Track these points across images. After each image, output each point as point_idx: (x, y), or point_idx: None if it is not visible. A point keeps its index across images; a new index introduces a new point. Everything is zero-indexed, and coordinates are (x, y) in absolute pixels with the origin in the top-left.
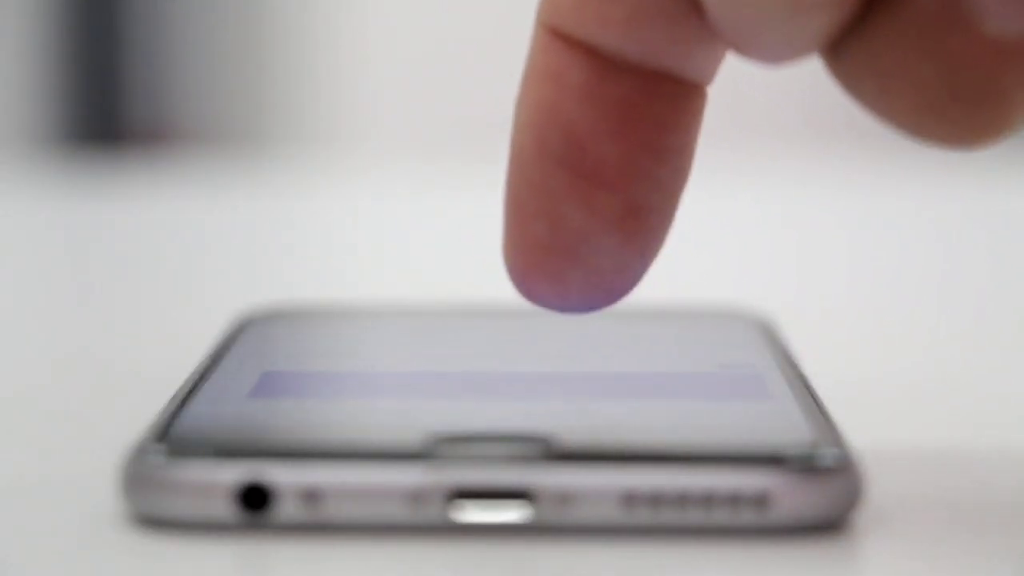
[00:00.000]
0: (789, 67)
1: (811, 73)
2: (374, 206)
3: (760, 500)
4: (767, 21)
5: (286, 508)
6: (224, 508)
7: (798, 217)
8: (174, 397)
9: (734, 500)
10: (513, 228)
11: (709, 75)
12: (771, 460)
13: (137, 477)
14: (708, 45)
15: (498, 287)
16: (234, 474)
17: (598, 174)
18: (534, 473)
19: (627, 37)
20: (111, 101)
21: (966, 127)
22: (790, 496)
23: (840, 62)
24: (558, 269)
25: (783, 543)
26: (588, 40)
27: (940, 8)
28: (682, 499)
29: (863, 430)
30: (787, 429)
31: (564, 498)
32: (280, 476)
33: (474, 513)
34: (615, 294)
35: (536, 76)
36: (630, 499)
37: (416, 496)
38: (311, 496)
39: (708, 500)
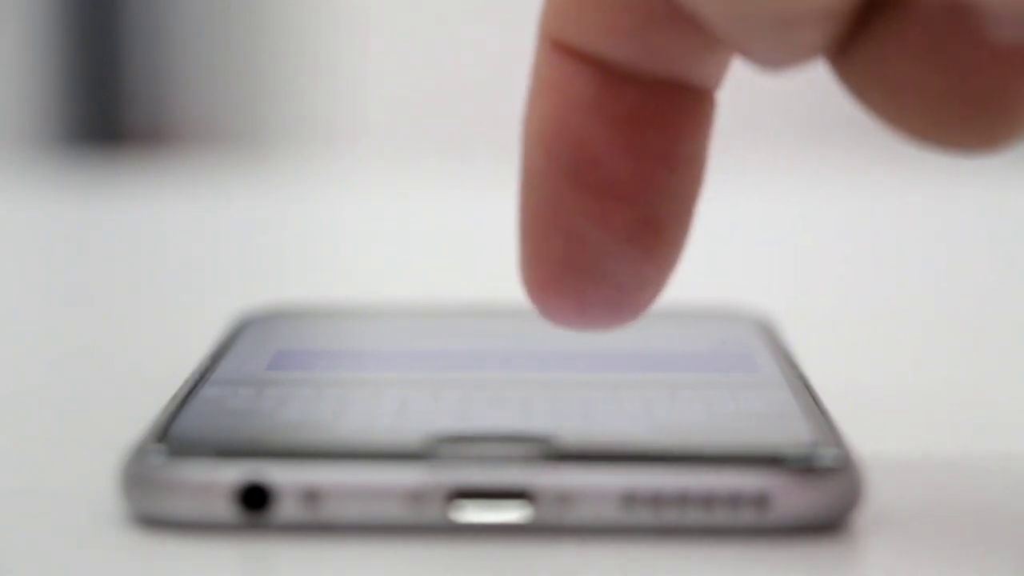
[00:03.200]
0: (795, 72)
1: (812, 73)
2: (374, 206)
3: (760, 500)
4: (759, 33)
5: (286, 508)
6: (224, 508)
7: (799, 217)
8: (174, 397)
9: (734, 500)
10: (528, 246)
11: (717, 80)
12: (771, 460)
13: (137, 477)
14: (714, 50)
15: (498, 287)
16: (234, 474)
17: (612, 188)
18: (534, 473)
19: (633, 46)
20: (111, 101)
21: (973, 133)
22: (790, 496)
23: (846, 68)
24: (577, 287)
25: (783, 543)
26: (593, 51)
27: (945, 16)
28: (682, 499)
29: (863, 430)
30: (787, 429)
31: (564, 498)
32: (280, 476)
33: (474, 513)
34: (635, 309)
35: (542, 90)
36: (630, 499)
37: (416, 496)
38: (311, 496)
39: (708, 500)
